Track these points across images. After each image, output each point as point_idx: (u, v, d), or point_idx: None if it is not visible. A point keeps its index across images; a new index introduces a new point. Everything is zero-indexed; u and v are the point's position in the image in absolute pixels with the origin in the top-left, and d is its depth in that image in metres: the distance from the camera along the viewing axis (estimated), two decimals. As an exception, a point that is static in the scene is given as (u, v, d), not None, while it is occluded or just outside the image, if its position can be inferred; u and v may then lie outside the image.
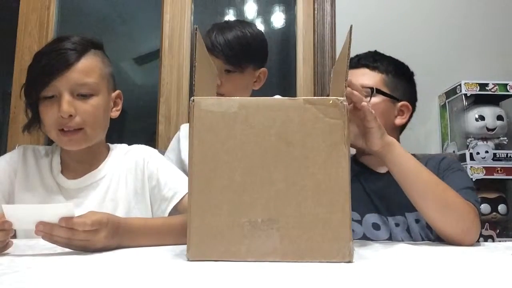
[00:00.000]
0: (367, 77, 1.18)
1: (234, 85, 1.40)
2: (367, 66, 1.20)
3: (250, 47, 1.41)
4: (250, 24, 1.51)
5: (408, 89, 1.25)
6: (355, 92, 0.88)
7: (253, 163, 0.69)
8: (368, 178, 1.16)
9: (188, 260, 0.69)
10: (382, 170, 1.19)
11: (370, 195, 1.13)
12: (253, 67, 1.45)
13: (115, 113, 1.17)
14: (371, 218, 1.11)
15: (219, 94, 1.38)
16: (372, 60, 1.22)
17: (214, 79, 0.96)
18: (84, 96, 1.06)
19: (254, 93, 1.52)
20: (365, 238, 1.08)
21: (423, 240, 1.09)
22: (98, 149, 1.16)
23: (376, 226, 1.10)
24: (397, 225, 1.10)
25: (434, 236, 1.08)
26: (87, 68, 1.06)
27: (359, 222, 1.10)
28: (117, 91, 1.18)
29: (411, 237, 1.09)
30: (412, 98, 1.26)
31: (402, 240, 1.08)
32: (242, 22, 1.49)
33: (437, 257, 0.79)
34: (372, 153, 0.98)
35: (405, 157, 0.96)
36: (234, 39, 1.38)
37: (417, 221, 1.10)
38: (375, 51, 1.27)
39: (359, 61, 1.22)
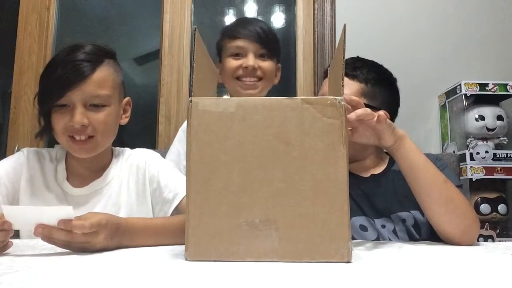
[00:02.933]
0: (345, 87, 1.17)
1: (268, 70, 1.45)
2: (346, 75, 1.18)
3: (275, 38, 1.47)
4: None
5: (389, 97, 1.22)
6: (359, 113, 0.88)
7: (251, 163, 0.69)
8: (352, 182, 1.16)
9: (187, 260, 0.69)
10: (366, 174, 1.20)
11: (355, 198, 1.14)
12: (276, 59, 1.49)
13: (124, 120, 1.18)
14: (358, 220, 1.12)
15: (257, 79, 1.43)
16: (352, 68, 1.20)
17: (214, 79, 0.96)
18: (96, 106, 1.07)
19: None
20: (354, 240, 1.09)
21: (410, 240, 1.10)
22: (104, 155, 1.17)
23: (363, 228, 1.11)
24: (383, 226, 1.11)
25: (426, 236, 1.09)
26: (101, 80, 1.08)
27: None
28: (127, 98, 1.19)
29: (397, 238, 1.10)
30: (393, 105, 1.24)
31: (390, 240, 1.08)
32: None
33: (437, 256, 0.79)
34: (386, 149, 1.01)
35: (415, 151, 0.98)
36: (266, 28, 1.45)
37: (403, 221, 1.11)
38: (357, 57, 1.25)
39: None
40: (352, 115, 0.87)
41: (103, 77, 1.08)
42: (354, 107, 0.92)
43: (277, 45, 1.48)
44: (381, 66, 1.25)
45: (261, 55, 1.43)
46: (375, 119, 0.91)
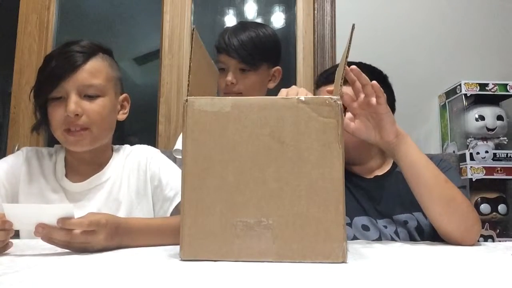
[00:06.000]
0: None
1: (249, 84, 1.43)
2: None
3: (264, 46, 1.43)
4: (264, 25, 1.53)
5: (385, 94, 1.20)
6: (363, 74, 0.90)
7: (246, 163, 0.69)
8: (356, 183, 1.17)
9: (181, 259, 0.69)
10: (370, 176, 1.20)
11: (358, 199, 1.14)
12: (267, 66, 1.47)
13: (122, 116, 1.17)
14: (360, 220, 1.11)
15: (236, 93, 1.42)
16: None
17: (213, 79, 0.96)
18: (90, 97, 1.07)
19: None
20: (355, 240, 1.08)
21: None
22: (103, 151, 1.16)
23: (365, 227, 1.10)
24: (385, 227, 1.10)
25: (429, 239, 1.08)
26: (94, 69, 1.07)
27: (349, 224, 1.10)
28: (124, 95, 1.19)
29: (399, 239, 1.09)
30: (390, 101, 1.18)
31: (392, 240, 1.08)
32: (256, 24, 1.53)
33: (435, 256, 0.79)
34: (385, 148, 0.98)
35: (417, 149, 0.97)
36: (248, 39, 1.41)
37: (405, 223, 1.10)
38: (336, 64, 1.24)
39: (327, 78, 1.18)
40: (353, 66, 0.89)
41: (96, 67, 1.08)
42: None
43: (266, 53, 1.44)
44: (368, 66, 1.22)
45: (241, 69, 1.41)
46: (374, 99, 0.91)
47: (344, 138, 1.05)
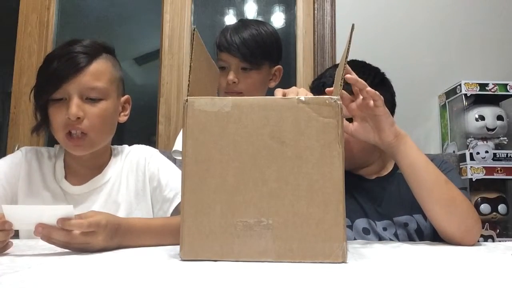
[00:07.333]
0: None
1: (251, 83, 1.42)
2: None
3: (265, 44, 1.42)
4: (264, 23, 1.52)
5: (385, 98, 1.09)
6: (360, 80, 0.90)
7: (246, 163, 0.69)
8: (357, 184, 1.16)
9: (181, 259, 0.69)
10: (371, 177, 1.19)
11: (359, 200, 1.13)
12: (269, 64, 1.46)
13: (123, 118, 1.16)
14: (361, 223, 1.11)
15: (237, 92, 1.41)
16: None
17: (214, 79, 0.95)
18: (93, 100, 1.05)
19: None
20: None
21: None
22: (102, 154, 1.15)
23: (365, 231, 1.10)
24: (384, 229, 1.10)
25: (428, 241, 1.08)
26: (98, 72, 1.06)
27: (350, 227, 1.10)
28: (126, 96, 1.17)
29: (398, 241, 1.09)
30: (388, 100, 1.11)
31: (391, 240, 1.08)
32: (256, 21, 1.51)
33: (435, 256, 0.79)
34: (385, 148, 0.98)
35: (416, 150, 0.97)
36: (250, 37, 1.40)
37: (405, 225, 1.10)
38: (334, 65, 1.21)
39: (324, 85, 1.10)
40: (348, 76, 0.89)
41: (99, 69, 1.06)
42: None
43: (267, 51, 1.43)
44: (364, 64, 1.21)
45: (243, 68, 1.40)
46: (371, 101, 0.91)
47: (350, 143, 1.07)
